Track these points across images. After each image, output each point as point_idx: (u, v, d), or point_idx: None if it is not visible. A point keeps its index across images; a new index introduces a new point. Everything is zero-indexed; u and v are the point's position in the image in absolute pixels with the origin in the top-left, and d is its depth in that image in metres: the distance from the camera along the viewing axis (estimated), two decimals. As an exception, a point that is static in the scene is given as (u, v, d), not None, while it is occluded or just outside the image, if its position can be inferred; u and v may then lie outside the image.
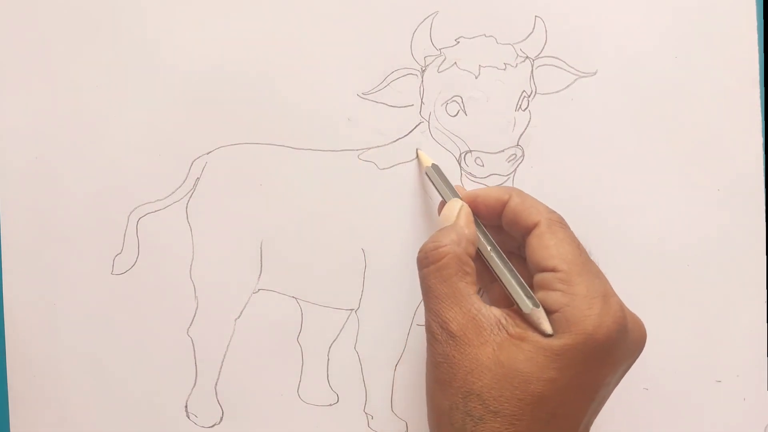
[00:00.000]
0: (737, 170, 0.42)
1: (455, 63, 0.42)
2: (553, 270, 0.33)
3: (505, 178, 0.42)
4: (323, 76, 0.43)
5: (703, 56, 0.41)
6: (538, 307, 0.33)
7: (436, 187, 0.40)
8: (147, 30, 0.44)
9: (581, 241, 0.35)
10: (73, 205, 0.44)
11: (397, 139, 0.43)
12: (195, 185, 0.44)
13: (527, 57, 0.42)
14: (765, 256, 0.41)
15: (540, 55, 0.42)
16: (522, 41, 0.42)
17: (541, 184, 0.42)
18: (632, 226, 0.42)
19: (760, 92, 0.41)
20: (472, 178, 0.42)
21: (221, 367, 0.44)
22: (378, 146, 0.43)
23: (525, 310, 0.33)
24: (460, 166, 0.42)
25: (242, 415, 0.44)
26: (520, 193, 0.37)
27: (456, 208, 0.37)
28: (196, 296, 0.44)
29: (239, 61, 0.43)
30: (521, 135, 0.42)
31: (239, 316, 0.44)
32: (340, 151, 0.43)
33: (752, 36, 0.41)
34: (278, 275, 0.43)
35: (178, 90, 0.44)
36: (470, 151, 0.42)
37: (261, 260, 0.43)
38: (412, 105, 0.42)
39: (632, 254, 0.42)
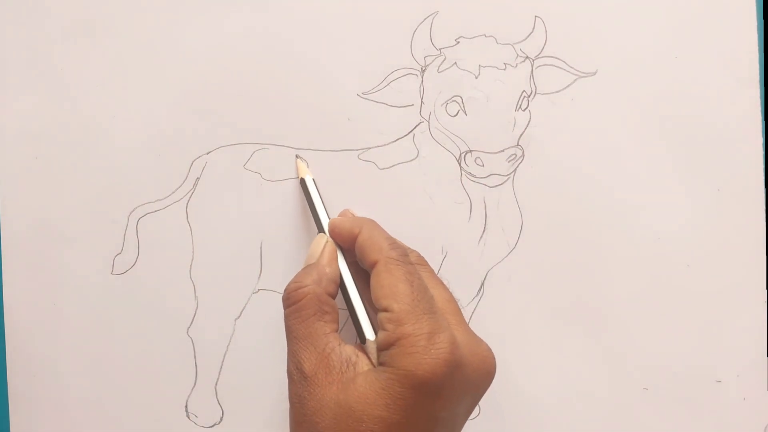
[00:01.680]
0: (737, 170, 0.42)
1: (455, 63, 0.42)
2: (385, 309, 0.34)
3: (505, 177, 0.42)
4: (323, 76, 0.43)
5: (703, 56, 0.41)
6: (372, 339, 0.34)
7: (307, 201, 0.41)
8: (147, 30, 0.44)
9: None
10: (73, 205, 0.44)
11: (397, 139, 0.43)
12: (195, 185, 0.44)
13: (527, 57, 0.42)
14: (765, 256, 0.41)
15: (540, 55, 0.42)
16: (522, 41, 0.42)
17: (541, 184, 0.42)
18: (632, 226, 0.42)
19: (760, 92, 0.41)
20: (473, 178, 0.42)
21: (221, 367, 0.44)
22: (378, 146, 0.43)
23: (361, 341, 0.34)
24: (460, 166, 0.42)
25: (242, 415, 0.44)
26: (371, 227, 0.38)
27: (321, 244, 0.38)
28: (196, 296, 0.44)
29: (239, 61, 0.43)
30: (521, 135, 0.42)
31: (239, 316, 0.44)
32: (340, 151, 0.43)
33: (752, 36, 0.41)
34: (278, 275, 0.43)
35: (178, 90, 0.44)
36: (470, 151, 0.42)
37: (261, 260, 0.43)
38: (412, 105, 0.42)
39: (632, 254, 0.42)
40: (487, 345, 0.36)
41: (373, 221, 0.39)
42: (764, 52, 0.41)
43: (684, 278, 0.42)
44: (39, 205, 0.44)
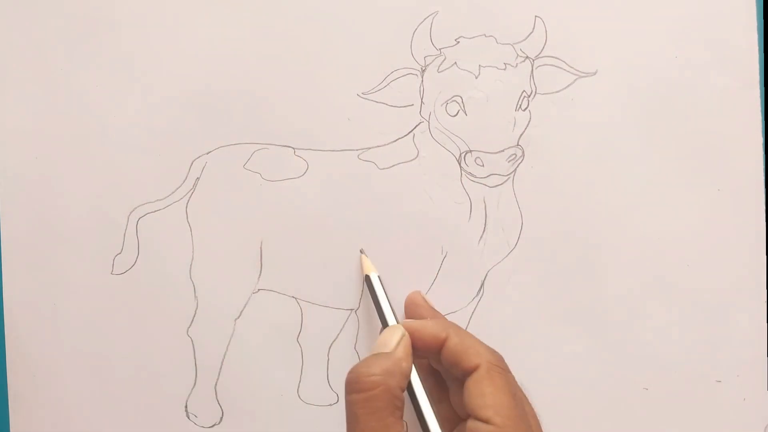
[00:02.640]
0: (737, 170, 0.42)
1: (455, 63, 0.42)
2: (486, 421, 0.33)
3: (505, 178, 0.42)
4: (323, 76, 0.43)
5: (703, 56, 0.41)
6: None
7: (372, 298, 0.40)
8: (147, 30, 0.44)
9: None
10: (73, 205, 0.44)
11: (397, 139, 0.43)
12: (195, 185, 0.44)
13: (527, 57, 0.42)
14: (765, 256, 0.41)
15: (540, 55, 0.42)
16: (522, 41, 0.42)
17: (541, 184, 0.42)
18: (632, 226, 0.42)
19: (760, 92, 0.41)
20: (473, 178, 0.42)
21: (221, 367, 0.44)
22: (378, 146, 0.43)
23: None
24: (460, 166, 0.42)
25: (242, 415, 0.44)
26: (458, 330, 0.36)
27: (397, 336, 0.36)
28: (196, 296, 0.44)
29: (239, 61, 0.43)
30: (521, 135, 0.42)
31: (239, 316, 0.44)
32: (340, 151, 0.43)
33: (752, 36, 0.41)
34: (278, 275, 0.43)
35: (178, 90, 0.44)
36: (470, 151, 0.42)
37: (261, 260, 0.43)
38: (412, 105, 0.42)
39: (632, 254, 0.42)
40: None
41: (458, 325, 0.38)
42: (764, 52, 0.41)
43: (684, 278, 0.42)
44: (39, 205, 0.44)
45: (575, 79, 0.42)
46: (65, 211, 0.44)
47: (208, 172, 0.43)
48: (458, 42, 0.42)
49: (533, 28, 0.42)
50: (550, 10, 0.42)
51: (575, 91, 0.42)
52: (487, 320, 0.42)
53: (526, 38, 0.42)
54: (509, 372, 0.35)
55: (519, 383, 0.36)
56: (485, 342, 0.36)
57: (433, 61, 0.42)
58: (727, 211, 0.42)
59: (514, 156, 0.42)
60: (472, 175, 0.42)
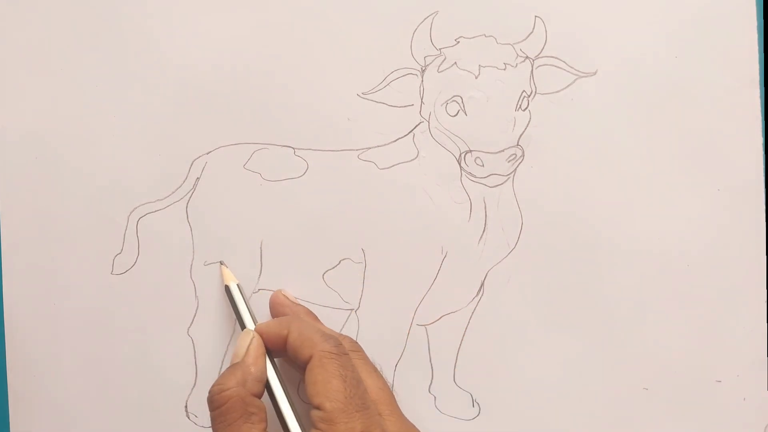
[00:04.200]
0: (737, 170, 0.42)
1: (455, 63, 0.42)
2: (318, 407, 0.34)
3: (505, 178, 0.42)
4: (323, 76, 0.43)
5: (703, 56, 0.41)
6: None
7: (232, 308, 0.41)
8: (147, 30, 0.44)
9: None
10: (73, 204, 0.44)
11: (397, 139, 0.43)
12: (195, 185, 0.44)
13: (527, 57, 0.42)
14: (765, 256, 0.41)
15: (540, 55, 0.42)
16: (522, 41, 0.42)
17: (541, 184, 0.42)
18: (632, 226, 0.42)
19: (760, 92, 0.41)
20: (473, 178, 0.42)
21: (221, 367, 0.44)
22: (378, 146, 0.43)
23: None
24: (460, 166, 0.42)
25: (242, 415, 0.44)
26: (301, 324, 0.38)
27: (246, 341, 0.38)
28: (196, 296, 0.44)
29: (239, 61, 0.43)
30: (521, 135, 0.42)
31: (239, 316, 0.44)
32: (340, 151, 0.43)
33: (752, 36, 0.41)
34: (278, 275, 0.43)
35: (178, 90, 0.44)
36: (470, 151, 0.42)
37: (261, 260, 0.43)
38: (412, 105, 0.42)
39: (632, 254, 0.42)
40: (417, 429, 0.37)
41: (299, 316, 0.40)
42: (764, 52, 0.41)
43: (684, 278, 0.42)
44: (39, 205, 0.44)
45: (575, 79, 0.42)
46: (65, 211, 0.44)
47: (208, 172, 0.43)
48: (458, 42, 0.42)
49: (533, 28, 0.42)
50: (550, 10, 0.42)
51: (575, 91, 0.42)
52: (487, 320, 0.42)
53: (526, 38, 0.42)
54: (344, 355, 0.36)
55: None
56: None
57: (433, 61, 0.42)
58: (727, 211, 0.42)
59: (514, 156, 0.42)
60: (472, 175, 0.42)
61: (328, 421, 0.33)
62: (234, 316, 0.41)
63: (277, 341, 0.38)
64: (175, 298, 0.44)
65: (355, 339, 0.42)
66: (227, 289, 0.42)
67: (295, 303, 0.42)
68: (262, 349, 0.37)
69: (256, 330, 0.39)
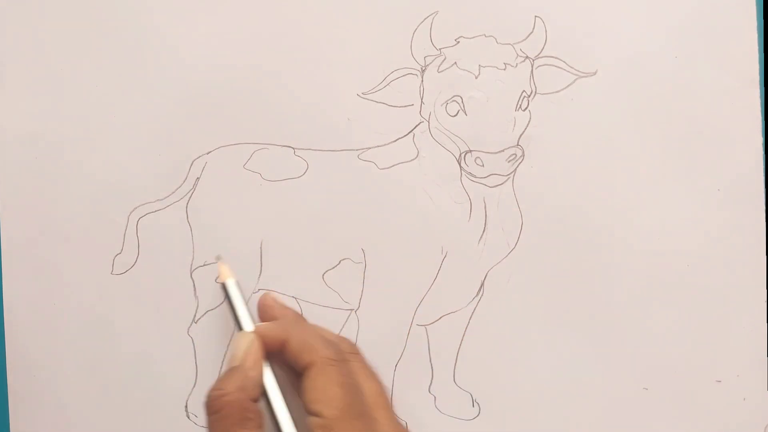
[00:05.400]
0: (737, 170, 0.42)
1: (455, 63, 0.42)
2: (317, 415, 0.34)
3: (505, 177, 0.42)
4: (323, 76, 0.43)
5: (703, 56, 0.41)
6: None
7: (228, 306, 0.40)
8: (147, 30, 0.44)
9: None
10: (73, 205, 0.44)
11: (397, 139, 0.43)
12: (195, 185, 0.44)
13: (527, 57, 0.42)
14: (765, 256, 0.41)
15: (540, 55, 0.42)
16: (522, 41, 0.42)
17: (541, 184, 0.42)
18: (632, 226, 0.42)
19: (760, 92, 0.41)
20: (473, 178, 0.42)
21: (221, 367, 0.44)
22: (378, 146, 0.43)
23: None
24: (460, 166, 0.42)
25: (242, 415, 0.44)
26: (300, 329, 0.37)
27: (244, 344, 0.37)
28: (196, 296, 0.44)
29: (239, 62, 0.43)
30: (521, 135, 0.42)
31: (239, 316, 0.44)
32: (340, 151, 0.43)
33: (752, 36, 0.41)
34: (278, 275, 0.43)
35: (178, 90, 0.44)
36: (470, 151, 0.42)
37: (261, 260, 0.43)
38: (412, 105, 0.42)
39: (632, 254, 0.42)
40: None
41: (298, 321, 0.39)
42: (764, 52, 0.41)
43: (684, 278, 0.42)
44: (39, 205, 0.44)
45: (575, 79, 0.42)
46: (65, 211, 0.44)
47: (208, 172, 0.43)
48: (458, 42, 0.42)
49: (533, 28, 0.42)
50: (550, 10, 0.42)
51: (575, 91, 0.42)
52: (487, 320, 0.42)
53: (526, 38, 0.42)
54: (346, 362, 0.36)
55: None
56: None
57: (433, 61, 0.42)
58: (727, 211, 0.42)
59: (514, 156, 0.42)
60: (472, 175, 0.42)
61: (327, 428, 0.33)
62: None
63: (275, 345, 0.37)
64: (175, 298, 0.44)
65: (355, 339, 0.42)
66: (224, 287, 0.41)
67: (283, 306, 0.41)
68: (261, 353, 0.37)
69: (256, 331, 0.38)
